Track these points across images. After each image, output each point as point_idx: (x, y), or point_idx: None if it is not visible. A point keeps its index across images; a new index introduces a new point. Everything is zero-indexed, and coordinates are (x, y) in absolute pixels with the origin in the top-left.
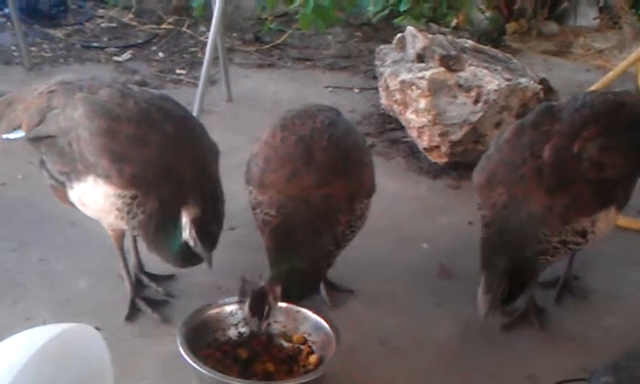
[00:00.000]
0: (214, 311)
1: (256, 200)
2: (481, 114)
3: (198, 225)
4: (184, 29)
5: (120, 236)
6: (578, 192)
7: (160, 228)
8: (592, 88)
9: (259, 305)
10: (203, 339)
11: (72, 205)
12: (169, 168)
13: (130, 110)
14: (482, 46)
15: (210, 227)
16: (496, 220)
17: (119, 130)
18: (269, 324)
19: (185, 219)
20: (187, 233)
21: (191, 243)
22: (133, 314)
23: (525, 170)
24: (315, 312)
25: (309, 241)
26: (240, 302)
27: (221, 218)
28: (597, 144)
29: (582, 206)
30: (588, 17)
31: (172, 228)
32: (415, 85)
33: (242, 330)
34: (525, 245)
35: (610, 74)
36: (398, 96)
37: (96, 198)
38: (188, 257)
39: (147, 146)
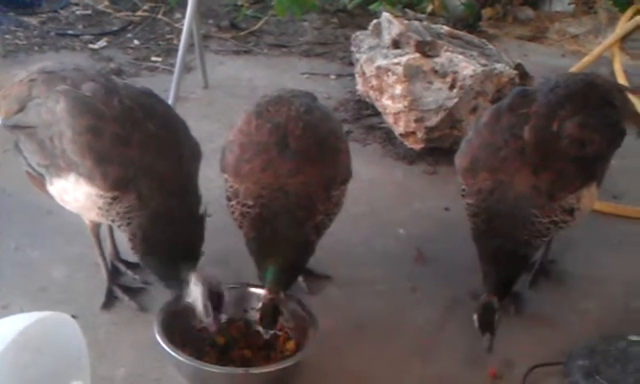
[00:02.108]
0: None
1: (232, 189)
2: (456, 99)
3: (209, 297)
4: (159, 16)
5: (96, 225)
6: (562, 169)
7: (144, 233)
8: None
9: (272, 317)
10: (180, 326)
11: (49, 195)
12: (150, 167)
13: (114, 108)
14: (457, 32)
15: (220, 296)
16: (483, 208)
17: (103, 129)
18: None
19: (193, 284)
20: (192, 297)
21: (197, 308)
22: (109, 301)
23: (507, 152)
24: (292, 298)
25: (291, 231)
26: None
27: (200, 218)
28: (575, 122)
29: (567, 182)
30: (563, 2)
31: (158, 246)
32: (391, 71)
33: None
34: (517, 229)
35: (586, 59)
36: (373, 82)
37: (77, 196)
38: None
39: (131, 147)
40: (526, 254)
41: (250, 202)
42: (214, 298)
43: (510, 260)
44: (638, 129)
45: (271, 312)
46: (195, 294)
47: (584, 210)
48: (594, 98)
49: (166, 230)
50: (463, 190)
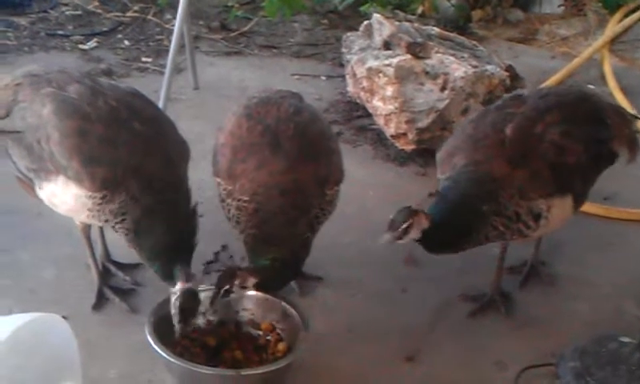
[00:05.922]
0: None
1: (225, 190)
2: (447, 101)
3: (181, 302)
4: (150, 16)
5: (87, 226)
6: (537, 169)
7: (139, 226)
8: (558, 74)
9: (224, 281)
10: (171, 328)
11: (39, 199)
12: (138, 167)
13: (100, 109)
14: (448, 34)
15: (191, 306)
16: (453, 176)
17: (90, 131)
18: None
19: (174, 290)
20: (172, 301)
21: (171, 310)
22: (100, 302)
23: (487, 142)
24: (283, 299)
25: (286, 231)
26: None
27: (191, 212)
28: (559, 129)
29: (540, 184)
30: (553, 4)
31: (149, 237)
32: (382, 72)
33: (211, 317)
34: (480, 197)
35: (575, 61)
36: (364, 83)
37: (66, 198)
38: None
39: (118, 147)
40: (476, 225)
41: (246, 198)
42: (188, 305)
43: (463, 214)
44: (630, 155)
45: (226, 276)
46: (173, 299)
47: (551, 222)
48: (583, 112)
49: (159, 224)
50: (439, 179)
